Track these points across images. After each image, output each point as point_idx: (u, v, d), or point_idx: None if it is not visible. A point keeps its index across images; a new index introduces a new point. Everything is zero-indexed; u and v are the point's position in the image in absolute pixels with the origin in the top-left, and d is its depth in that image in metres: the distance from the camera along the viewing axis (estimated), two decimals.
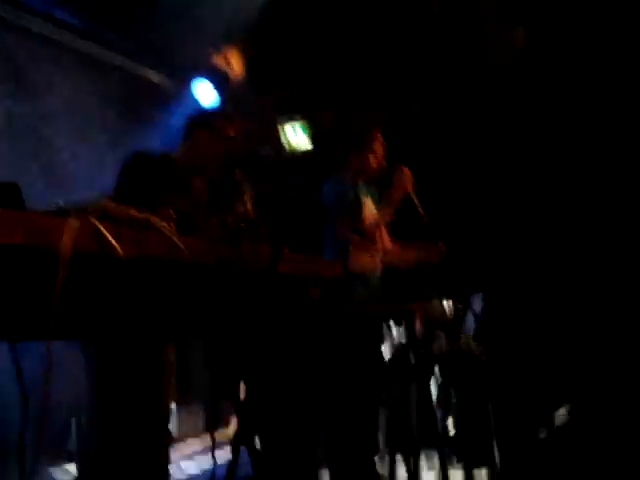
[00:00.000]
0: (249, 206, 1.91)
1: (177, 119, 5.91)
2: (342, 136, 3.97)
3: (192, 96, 6.12)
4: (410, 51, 5.78)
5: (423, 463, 4.06)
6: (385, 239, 4.06)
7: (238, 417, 2.82)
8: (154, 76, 6.06)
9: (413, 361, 3.82)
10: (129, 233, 1.52)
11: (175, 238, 1.60)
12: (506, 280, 5.88)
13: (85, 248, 1.42)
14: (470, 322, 5.09)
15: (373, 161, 3.81)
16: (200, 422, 5.90)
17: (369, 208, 3.87)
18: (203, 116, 3.13)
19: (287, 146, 6.66)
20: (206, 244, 1.72)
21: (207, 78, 6.18)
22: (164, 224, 1.59)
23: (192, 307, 1.81)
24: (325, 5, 5.57)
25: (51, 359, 1.40)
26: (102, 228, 1.44)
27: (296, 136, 6.63)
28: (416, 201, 3.81)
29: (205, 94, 6.13)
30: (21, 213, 1.38)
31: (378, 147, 3.83)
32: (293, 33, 5.82)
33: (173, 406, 2.70)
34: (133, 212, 1.55)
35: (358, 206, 3.77)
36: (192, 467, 4.76)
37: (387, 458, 3.97)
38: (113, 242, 1.43)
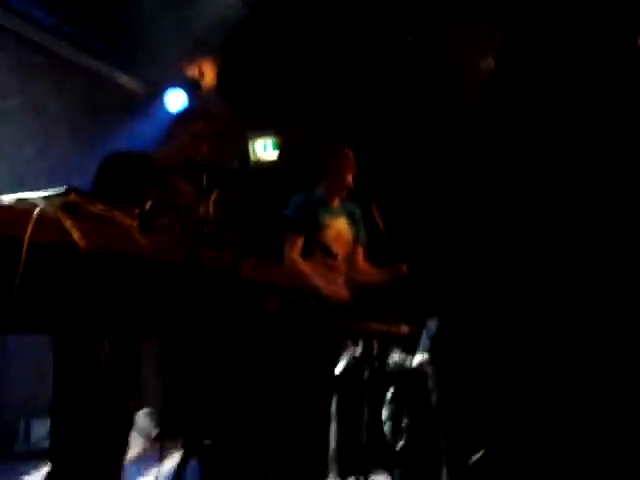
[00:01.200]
0: (212, 210, 1.93)
1: (146, 125, 5.91)
2: (314, 153, 4.00)
3: (163, 103, 6.14)
4: (381, 76, 5.88)
5: None
6: (359, 258, 4.08)
7: (187, 425, 2.82)
8: (125, 80, 6.05)
9: (367, 376, 3.84)
10: (92, 227, 1.53)
11: (136, 234, 1.61)
12: (462, 304, 5.96)
13: (47, 239, 1.43)
14: (425, 342, 5.15)
15: (346, 179, 3.85)
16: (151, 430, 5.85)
17: (339, 227, 3.90)
18: (185, 116, 3.13)
19: (254, 159, 6.70)
20: (168, 242, 1.73)
21: (179, 86, 6.20)
22: (127, 220, 1.61)
23: (150, 305, 1.82)
24: (300, 23, 5.64)
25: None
26: (64, 220, 1.45)
27: (265, 151, 6.68)
28: (378, 220, 3.85)
29: (176, 102, 6.14)
30: None
31: (348, 161, 3.87)
32: (267, 47, 5.87)
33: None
34: (97, 207, 1.56)
35: (319, 224, 3.79)
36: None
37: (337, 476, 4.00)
38: (75, 234, 1.44)
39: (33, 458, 5.06)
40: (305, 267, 3.64)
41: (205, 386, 2.66)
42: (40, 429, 5.17)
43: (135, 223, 1.64)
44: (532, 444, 4.54)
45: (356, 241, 4.03)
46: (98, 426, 2.25)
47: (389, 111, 6.03)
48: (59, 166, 4.95)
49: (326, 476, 3.91)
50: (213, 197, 1.94)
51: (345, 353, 4.43)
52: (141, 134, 5.85)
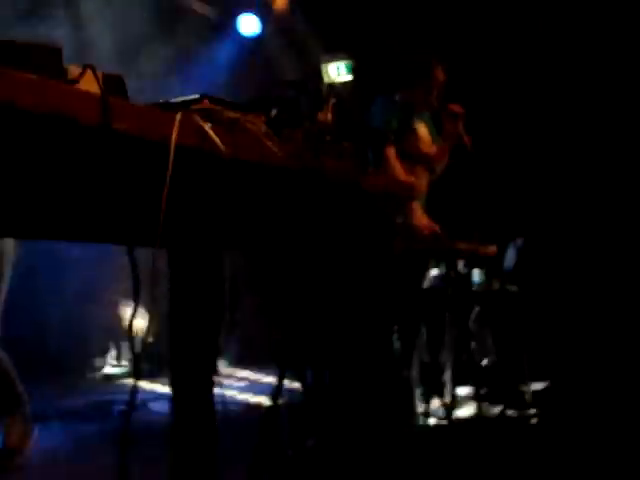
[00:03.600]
0: (331, 117, 1.91)
1: (221, 50, 5.89)
2: (405, 61, 3.87)
3: (236, 28, 6.09)
4: None
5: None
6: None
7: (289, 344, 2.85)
8: (199, 6, 6.00)
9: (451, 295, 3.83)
10: (227, 133, 1.53)
11: (266, 141, 1.61)
12: (546, 225, 5.87)
13: (189, 143, 1.43)
14: (509, 261, 5.11)
15: (434, 92, 3.74)
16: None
17: (423, 133, 3.81)
18: None
19: (328, 82, 6.61)
20: (294, 150, 1.72)
21: (251, 11, 6.13)
22: (257, 126, 1.60)
23: (277, 214, 1.82)
24: None
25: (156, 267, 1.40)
26: (205, 125, 1.45)
27: (339, 75, 6.57)
28: (464, 135, 3.75)
29: (248, 26, 6.08)
30: (129, 104, 1.39)
31: (439, 78, 3.76)
32: None
33: None
34: (229, 113, 1.56)
35: (408, 128, 3.70)
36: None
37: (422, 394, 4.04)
38: (217, 141, 1.44)
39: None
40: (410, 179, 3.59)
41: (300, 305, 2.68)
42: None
43: (264, 129, 1.63)
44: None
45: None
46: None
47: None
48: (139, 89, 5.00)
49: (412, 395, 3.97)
50: (331, 104, 1.91)
51: (430, 272, 4.43)
52: (217, 58, 5.85)
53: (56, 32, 4.55)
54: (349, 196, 1.84)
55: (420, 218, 3.63)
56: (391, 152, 3.49)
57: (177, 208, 1.45)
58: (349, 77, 6.60)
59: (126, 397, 1.62)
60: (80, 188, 1.36)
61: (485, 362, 5.06)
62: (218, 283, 2.04)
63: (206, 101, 1.55)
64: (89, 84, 1.33)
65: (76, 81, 1.32)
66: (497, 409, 4.29)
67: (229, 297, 2.53)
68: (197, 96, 1.55)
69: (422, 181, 3.77)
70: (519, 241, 5.13)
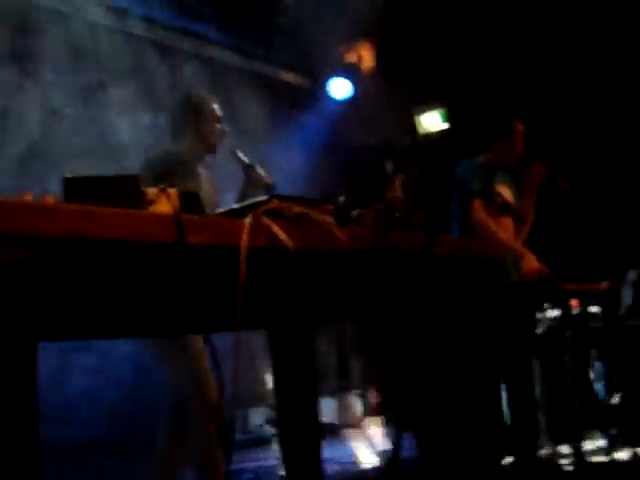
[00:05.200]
0: (400, 194, 2.01)
1: (316, 116, 6.13)
2: (486, 122, 3.96)
3: (327, 93, 6.32)
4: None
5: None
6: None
7: (400, 402, 2.92)
8: (291, 77, 6.30)
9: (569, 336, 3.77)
10: (295, 228, 1.66)
11: (334, 230, 1.73)
12: None
13: (258, 244, 1.57)
14: (626, 295, 4.93)
15: (515, 150, 3.81)
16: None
17: (505, 193, 3.86)
18: (194, 103, 3.14)
19: (422, 133, 6.70)
20: (363, 233, 1.84)
21: (340, 74, 6.34)
22: (324, 217, 1.73)
23: (351, 292, 1.94)
24: None
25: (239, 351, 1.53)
26: (272, 225, 1.59)
27: (434, 124, 6.65)
28: (562, 183, 3.77)
29: (340, 90, 6.30)
30: (203, 217, 1.56)
31: (519, 137, 3.82)
32: (421, 21, 5.85)
33: None
34: (296, 208, 1.70)
35: (489, 187, 3.76)
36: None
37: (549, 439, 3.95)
38: (283, 237, 1.58)
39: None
40: (499, 231, 3.64)
41: (409, 363, 2.75)
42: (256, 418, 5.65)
43: (331, 219, 1.76)
44: None
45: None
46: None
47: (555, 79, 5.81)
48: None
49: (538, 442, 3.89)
50: (400, 180, 2.02)
51: (544, 315, 4.37)
52: (312, 125, 6.09)
53: None
54: (419, 264, 1.93)
55: (530, 262, 3.64)
56: (478, 204, 3.57)
57: (251, 298, 1.59)
58: (444, 125, 6.66)
59: None
60: (162, 294, 1.54)
61: (614, 401, 4.87)
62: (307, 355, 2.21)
63: (275, 200, 1.69)
64: (166, 204, 1.51)
65: (152, 203, 1.49)
66: (629, 452, 4.13)
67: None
68: (266, 198, 1.70)
69: (509, 232, 3.80)
70: (632, 274, 4.95)
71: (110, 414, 4.30)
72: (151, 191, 1.52)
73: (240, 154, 3.04)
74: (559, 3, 5.52)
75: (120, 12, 4.83)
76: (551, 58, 5.78)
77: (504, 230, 3.74)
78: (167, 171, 2.74)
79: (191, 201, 1.56)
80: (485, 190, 3.59)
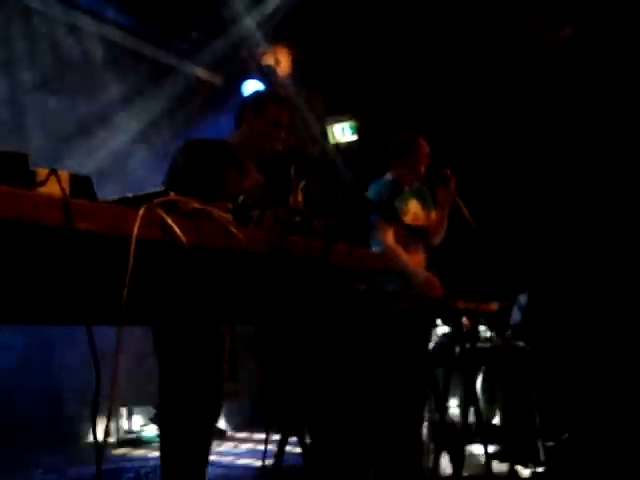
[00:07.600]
0: (301, 199, 2.00)
1: (226, 116, 6.06)
2: (389, 138, 4.03)
3: (240, 93, 6.26)
4: (456, 52, 5.81)
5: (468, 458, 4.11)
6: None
7: (287, 409, 2.91)
8: (204, 74, 6.22)
9: (458, 353, 3.86)
10: (190, 223, 1.62)
11: (232, 228, 1.70)
12: (549, 280, 5.90)
13: (151, 236, 1.52)
14: (515, 316, 5.12)
15: (417, 167, 3.89)
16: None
17: (415, 208, 3.93)
18: (255, 99, 3.12)
19: (332, 143, 6.78)
20: (261, 234, 1.82)
21: (255, 76, 6.31)
22: (223, 215, 1.69)
23: (245, 294, 1.92)
24: (371, 4, 5.63)
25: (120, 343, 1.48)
26: (167, 218, 1.55)
27: (344, 135, 6.75)
28: (461, 204, 3.87)
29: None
30: (95, 203, 1.50)
31: (423, 154, 3.90)
32: (340, 32, 5.90)
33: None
34: (194, 203, 1.65)
35: (397, 203, 3.82)
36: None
37: (432, 452, 4.04)
38: (177, 231, 1.53)
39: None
40: (404, 255, 3.69)
41: (299, 371, 2.75)
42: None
43: (230, 217, 1.72)
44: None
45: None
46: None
47: (465, 90, 5.98)
48: (150, 159, 5.23)
49: (421, 453, 3.97)
50: (301, 186, 2.01)
51: (435, 331, 4.47)
52: (222, 125, 6.02)
53: None
54: (314, 271, 1.92)
55: (435, 290, 3.70)
56: (385, 227, 3.63)
57: (140, 292, 1.54)
58: (354, 137, 6.77)
59: None
60: (48, 281, 1.47)
61: (495, 420, 5.04)
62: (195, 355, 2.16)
63: (172, 194, 1.64)
64: (56, 186, 1.44)
65: (42, 184, 1.42)
66: (507, 466, 4.27)
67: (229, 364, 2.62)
68: (162, 189, 1.65)
69: (418, 255, 3.87)
70: (523, 296, 5.15)
71: None
72: (42, 171, 1.44)
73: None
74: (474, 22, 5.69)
75: None
76: (464, 74, 5.94)
77: (413, 255, 3.81)
78: (210, 158, 2.69)
79: (82, 185, 1.50)
80: (390, 206, 3.64)
